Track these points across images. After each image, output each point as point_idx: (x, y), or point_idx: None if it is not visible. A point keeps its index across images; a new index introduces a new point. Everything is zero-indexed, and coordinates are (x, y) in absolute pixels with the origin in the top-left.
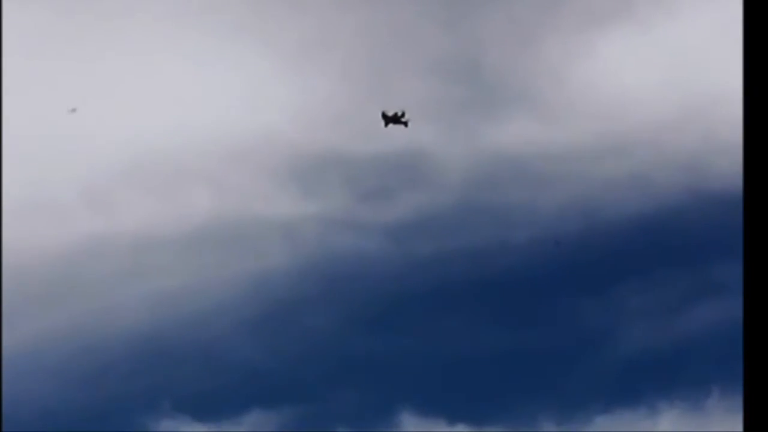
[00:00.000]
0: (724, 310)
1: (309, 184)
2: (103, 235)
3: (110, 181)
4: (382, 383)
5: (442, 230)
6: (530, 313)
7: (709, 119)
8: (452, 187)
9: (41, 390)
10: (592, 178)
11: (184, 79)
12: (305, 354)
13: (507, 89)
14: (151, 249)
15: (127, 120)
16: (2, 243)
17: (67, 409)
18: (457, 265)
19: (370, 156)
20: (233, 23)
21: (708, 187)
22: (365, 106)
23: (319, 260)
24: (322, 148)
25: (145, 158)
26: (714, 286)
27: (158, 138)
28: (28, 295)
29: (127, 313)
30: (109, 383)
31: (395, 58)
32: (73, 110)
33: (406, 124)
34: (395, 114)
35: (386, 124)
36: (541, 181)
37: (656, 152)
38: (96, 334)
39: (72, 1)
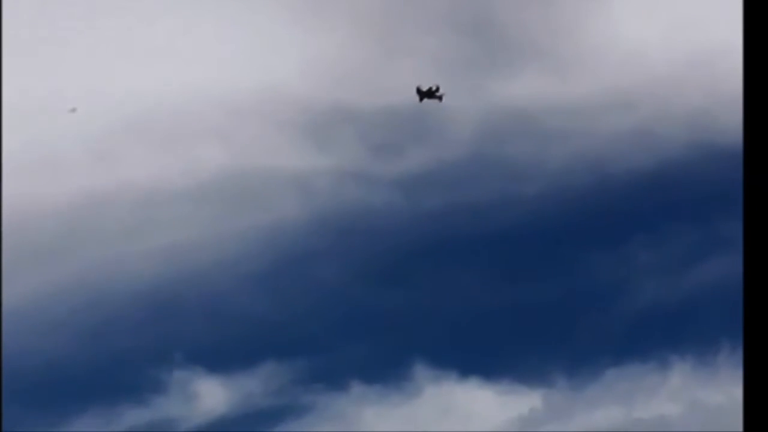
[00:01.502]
0: (732, 263)
1: (320, 138)
2: (111, 189)
3: (118, 135)
4: (394, 336)
5: (452, 184)
6: (540, 266)
7: (713, 74)
8: (462, 141)
9: (50, 343)
10: (600, 132)
11: (194, 33)
12: (317, 306)
13: (516, 44)
14: (161, 203)
15: (135, 74)
16: (2, 199)
17: (77, 362)
18: (467, 219)
19: (381, 110)
20: None
21: (712, 141)
22: (376, 60)
23: (330, 213)
24: (333, 101)
25: (153, 112)
26: (722, 240)
27: (167, 92)
28: (35, 249)
29: (137, 267)
30: (119, 336)
31: (406, 12)
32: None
33: (440, 98)
34: (429, 89)
35: (421, 99)
36: (550, 135)
37: (662, 106)
38: (106, 288)
39: None
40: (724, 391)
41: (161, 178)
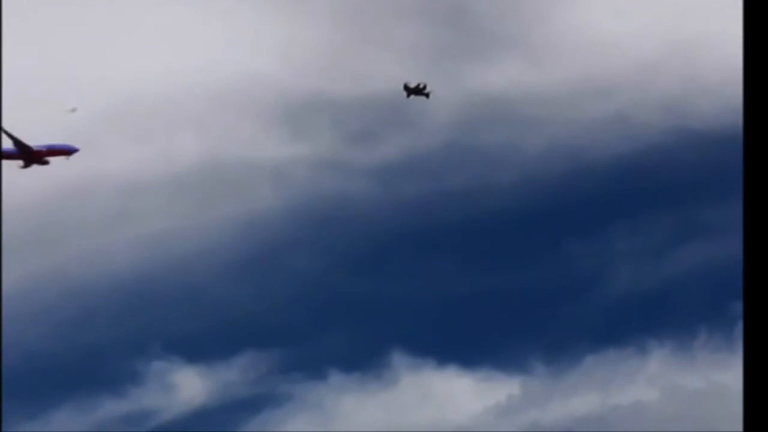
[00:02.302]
0: (710, 250)
1: (297, 127)
2: (90, 179)
3: (96, 126)
4: (372, 324)
5: (429, 172)
6: (518, 254)
7: (689, 61)
8: (438, 129)
9: (31, 333)
10: (577, 120)
11: (171, 24)
12: (295, 296)
13: (493, 33)
14: (139, 193)
15: (113, 65)
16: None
17: (58, 352)
18: (444, 207)
19: (358, 99)
20: None
21: (689, 128)
22: (352, 50)
23: (307, 202)
24: (310, 91)
25: (131, 103)
26: (699, 227)
27: (144, 82)
28: (13, 240)
29: (116, 257)
30: (98, 326)
31: (383, 1)
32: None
33: (427, 95)
34: (417, 86)
35: (408, 95)
36: (527, 123)
37: (639, 94)
38: (84, 278)
39: None
40: (702, 377)
41: (139, 168)
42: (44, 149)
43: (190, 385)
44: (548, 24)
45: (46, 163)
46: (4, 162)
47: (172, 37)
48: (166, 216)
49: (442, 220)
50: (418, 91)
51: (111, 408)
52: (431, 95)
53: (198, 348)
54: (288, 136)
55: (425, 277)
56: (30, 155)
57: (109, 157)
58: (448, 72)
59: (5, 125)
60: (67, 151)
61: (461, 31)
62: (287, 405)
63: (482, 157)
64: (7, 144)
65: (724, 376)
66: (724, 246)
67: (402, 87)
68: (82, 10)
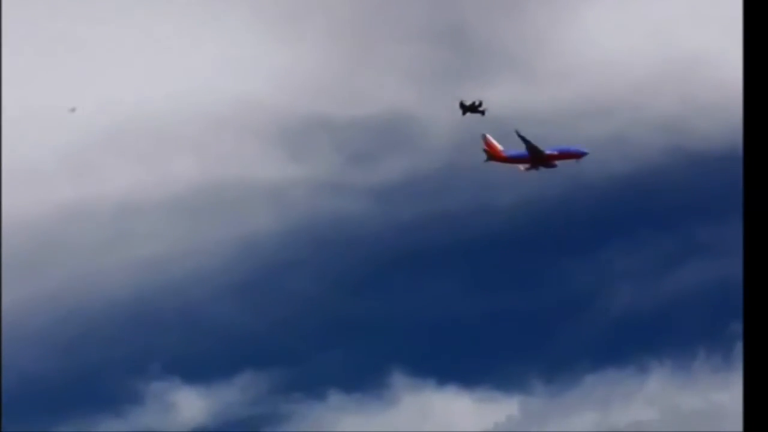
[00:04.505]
0: (708, 270)
1: (295, 149)
2: (89, 201)
3: (94, 147)
4: (372, 344)
5: (427, 193)
6: (517, 274)
7: (688, 81)
8: (437, 150)
9: (28, 355)
10: (575, 139)
11: (170, 46)
12: (293, 316)
13: (490, 54)
14: (137, 215)
15: (112, 86)
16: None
17: (56, 373)
18: (443, 228)
19: (356, 120)
20: None
21: (688, 147)
22: (351, 72)
23: (305, 223)
24: (308, 112)
25: (129, 124)
26: (697, 247)
27: (143, 104)
28: (12, 261)
29: (115, 279)
30: (97, 347)
31: (380, 23)
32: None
33: (483, 113)
34: (473, 103)
35: (464, 113)
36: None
37: (636, 114)
38: (83, 300)
39: None
40: (702, 397)
41: (137, 190)
42: (556, 152)
43: (189, 406)
44: (546, 44)
45: (553, 166)
46: (510, 165)
47: (171, 60)
48: (164, 237)
49: (441, 240)
50: (473, 108)
51: (111, 428)
52: (486, 113)
53: (197, 368)
54: (286, 157)
55: (424, 297)
56: (540, 158)
57: (107, 178)
58: (446, 93)
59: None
60: (577, 155)
61: (459, 52)
62: (287, 425)
63: (480, 177)
64: (515, 147)
65: (722, 396)
66: (723, 266)
67: (458, 104)
68: (81, 32)
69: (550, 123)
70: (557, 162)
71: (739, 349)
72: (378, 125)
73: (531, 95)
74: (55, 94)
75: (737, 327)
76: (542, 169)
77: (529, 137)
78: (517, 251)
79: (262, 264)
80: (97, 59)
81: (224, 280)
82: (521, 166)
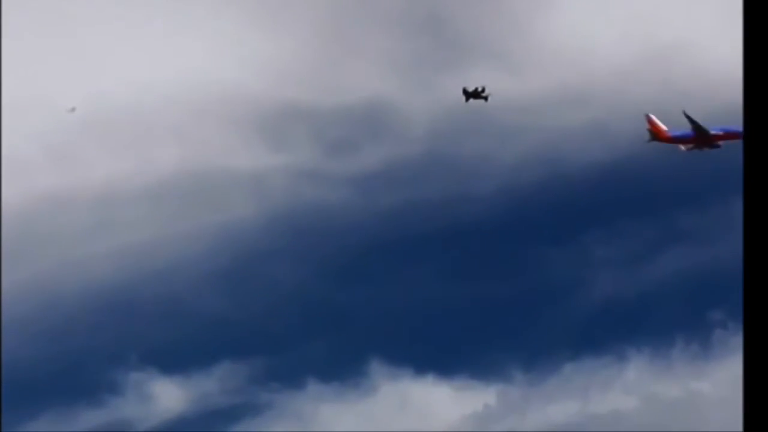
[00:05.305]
0: (687, 258)
1: (275, 138)
2: (69, 189)
3: (75, 136)
4: (351, 333)
5: (407, 181)
6: (496, 262)
7: (665, 69)
8: (416, 138)
9: (8, 343)
10: (554, 128)
11: (150, 35)
12: (273, 305)
13: (468, 42)
14: (118, 203)
15: (91, 75)
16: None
17: (35, 362)
18: (422, 216)
19: (335, 109)
20: None
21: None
22: (330, 60)
23: (285, 212)
24: (288, 101)
25: (109, 113)
26: (677, 234)
27: (123, 93)
28: None
29: (94, 267)
30: (76, 337)
31: (359, 12)
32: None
33: (486, 98)
34: (476, 89)
35: (467, 99)
36: (504, 132)
37: (614, 102)
38: (62, 288)
39: None
40: (680, 385)
41: (117, 178)
42: (721, 132)
43: (168, 395)
44: (525, 32)
45: (717, 146)
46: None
47: (150, 48)
48: (144, 226)
49: (420, 229)
50: (476, 94)
51: (89, 418)
52: (489, 98)
53: (176, 358)
54: (266, 146)
55: (403, 286)
56: (705, 138)
57: (87, 167)
58: (425, 81)
59: None
60: (738, 135)
61: (438, 40)
62: (266, 414)
63: (460, 166)
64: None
65: (701, 385)
66: (701, 254)
67: (461, 91)
68: (60, 21)
69: (531, 111)
70: (721, 142)
71: (717, 336)
72: (358, 114)
73: (511, 83)
74: (35, 84)
75: (715, 315)
76: (705, 150)
77: (508, 126)
78: (496, 240)
79: (242, 253)
80: (77, 49)
81: (204, 269)
82: (683, 146)
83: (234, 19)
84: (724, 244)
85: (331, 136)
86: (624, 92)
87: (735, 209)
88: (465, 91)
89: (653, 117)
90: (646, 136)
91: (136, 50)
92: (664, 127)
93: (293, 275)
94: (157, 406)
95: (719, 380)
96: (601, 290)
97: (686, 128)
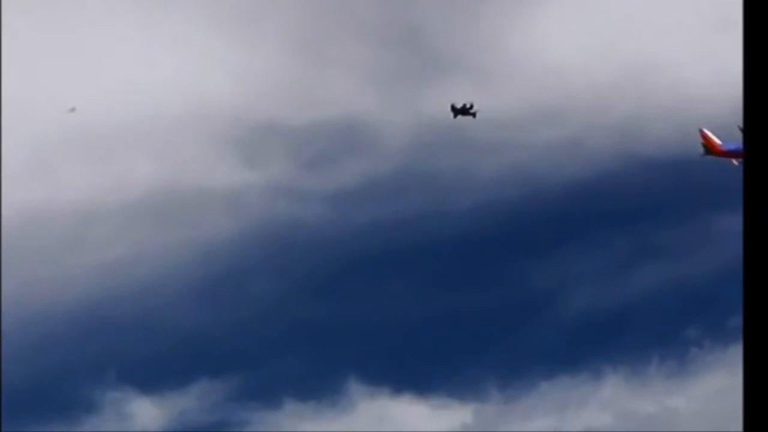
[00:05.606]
0: (663, 274)
1: (250, 153)
2: (45, 206)
3: (50, 152)
4: (328, 350)
5: (384, 197)
6: (472, 279)
7: (641, 85)
8: (392, 154)
9: None
10: (530, 144)
11: (124, 50)
12: (250, 322)
13: (445, 57)
14: (93, 219)
15: (68, 91)
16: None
17: (10, 381)
18: (399, 232)
19: (312, 124)
20: None
21: (641, 151)
22: (306, 75)
23: (262, 228)
24: (263, 117)
25: (83, 128)
26: (654, 249)
27: (98, 108)
28: None
29: (70, 284)
30: (53, 355)
31: (336, 27)
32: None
33: (474, 115)
34: (464, 105)
35: (455, 116)
36: (480, 147)
37: (591, 118)
38: (38, 305)
39: None
40: (655, 401)
41: (92, 195)
42: None
43: (146, 414)
44: (502, 48)
45: None
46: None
47: (126, 63)
48: (119, 243)
49: (398, 245)
50: (464, 111)
51: None
52: (477, 114)
53: (154, 375)
54: (241, 162)
55: (381, 303)
56: None
57: (61, 183)
58: (402, 97)
59: None
60: None
61: (415, 56)
62: None
63: (436, 181)
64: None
65: (677, 401)
66: (678, 271)
67: (449, 107)
68: (34, 36)
69: (507, 127)
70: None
71: (693, 354)
72: (334, 129)
73: (488, 99)
74: (8, 99)
75: (691, 333)
76: None
77: (484, 142)
78: (473, 256)
79: (219, 270)
80: (52, 63)
81: (181, 286)
82: (736, 161)
83: (210, 34)
84: (701, 260)
85: (308, 152)
86: (601, 109)
87: (713, 225)
88: (453, 108)
89: (707, 131)
90: (700, 149)
91: (111, 65)
92: (717, 141)
93: (270, 292)
94: (135, 425)
95: (694, 396)
96: (577, 308)
97: (739, 142)
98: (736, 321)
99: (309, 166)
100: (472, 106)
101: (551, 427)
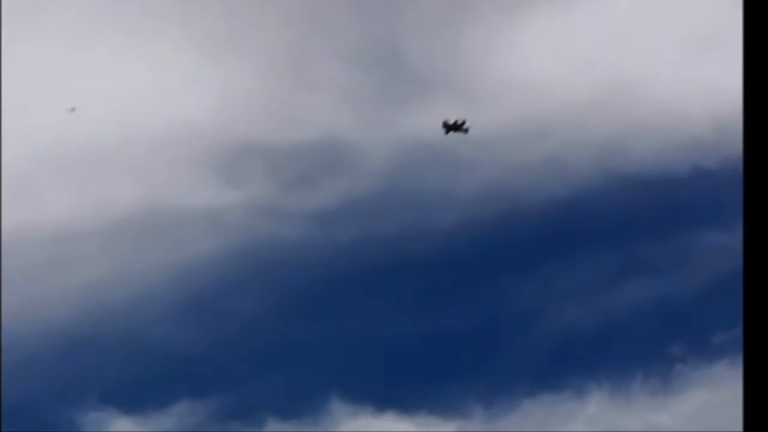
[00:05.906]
0: (646, 290)
1: (231, 174)
2: (24, 226)
3: (29, 172)
4: (309, 370)
5: (366, 216)
6: (454, 297)
7: (624, 103)
8: (374, 173)
9: None
10: (512, 162)
11: (104, 70)
12: (232, 343)
13: (426, 76)
14: (73, 240)
15: (46, 110)
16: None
17: None
18: (381, 251)
19: (292, 144)
20: (151, 13)
21: (624, 170)
22: (286, 94)
23: (243, 249)
24: (243, 137)
25: (63, 149)
26: (637, 267)
27: (78, 129)
28: None
29: (50, 306)
30: (32, 377)
31: (314, 45)
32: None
33: (466, 131)
34: (455, 122)
35: (447, 132)
36: (462, 166)
37: (573, 136)
38: (18, 327)
39: None
40: (640, 418)
41: (72, 216)
42: None
43: None
44: (482, 67)
45: None
46: None
47: (105, 83)
48: (100, 264)
49: (379, 264)
50: (456, 127)
51: None
52: (469, 130)
53: (134, 397)
54: (222, 182)
55: (363, 321)
56: None
57: (41, 204)
58: (382, 116)
59: None
60: None
61: (395, 75)
62: None
63: (418, 200)
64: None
65: (661, 417)
66: (661, 287)
67: (441, 124)
68: (13, 53)
69: (488, 145)
70: None
71: (677, 370)
72: (315, 149)
73: (469, 118)
74: None
75: (675, 349)
76: None
77: (465, 160)
78: (454, 274)
79: (200, 290)
80: (30, 84)
81: (162, 307)
82: None
83: (190, 54)
84: (684, 277)
85: (289, 172)
86: (581, 127)
87: (696, 241)
88: (445, 124)
89: None
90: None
91: (91, 86)
92: None
93: (252, 311)
94: None
95: (679, 413)
96: (561, 325)
97: None
98: (721, 337)
99: (290, 186)
100: (464, 123)
101: None
